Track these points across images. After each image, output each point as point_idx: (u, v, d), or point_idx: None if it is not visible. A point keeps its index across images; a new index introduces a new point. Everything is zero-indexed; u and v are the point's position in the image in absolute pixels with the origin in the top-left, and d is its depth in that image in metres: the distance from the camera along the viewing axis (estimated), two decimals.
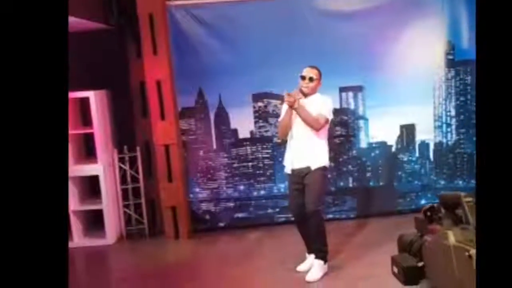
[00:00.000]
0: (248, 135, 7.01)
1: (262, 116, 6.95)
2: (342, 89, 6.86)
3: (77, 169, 6.69)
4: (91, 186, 7.15)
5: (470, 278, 2.11)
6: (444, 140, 6.96)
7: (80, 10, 5.75)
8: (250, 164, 7.03)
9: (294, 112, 5.06)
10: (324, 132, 5.21)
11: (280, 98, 6.69)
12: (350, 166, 7.02)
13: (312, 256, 5.31)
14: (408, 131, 6.96)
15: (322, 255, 5.22)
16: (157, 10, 6.49)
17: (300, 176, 5.15)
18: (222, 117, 6.98)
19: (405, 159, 7.03)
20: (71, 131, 6.36)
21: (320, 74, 5.18)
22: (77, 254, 6.50)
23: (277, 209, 7.03)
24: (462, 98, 6.86)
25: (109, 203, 6.85)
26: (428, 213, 2.73)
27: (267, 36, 6.65)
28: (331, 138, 5.45)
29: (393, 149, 7.02)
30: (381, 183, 7.06)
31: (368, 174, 7.05)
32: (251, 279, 5.37)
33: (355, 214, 7.05)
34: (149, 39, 6.48)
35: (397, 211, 6.85)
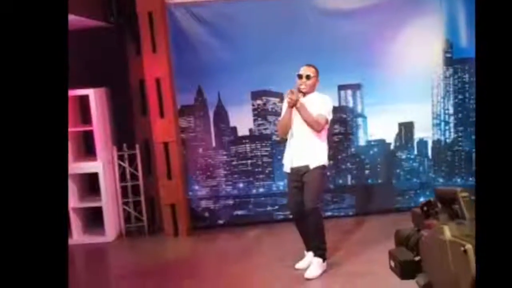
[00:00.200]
0: (247, 133, 7.03)
1: (261, 114, 6.97)
2: (341, 87, 6.88)
3: (76, 167, 6.71)
4: (90, 183, 7.17)
5: (465, 273, 2.13)
6: (443, 138, 6.98)
7: (80, 8, 5.77)
8: (249, 162, 7.05)
9: (294, 111, 5.08)
10: (324, 131, 5.23)
11: (279, 96, 6.73)
12: (348, 164, 7.04)
13: (311, 253, 5.33)
14: (406, 129, 6.97)
15: (321, 252, 5.24)
16: (157, 8, 6.50)
17: (299, 175, 5.17)
18: (221, 115, 6.99)
19: (404, 157, 7.05)
20: (70, 129, 6.36)
21: (317, 71, 5.19)
22: (76, 251, 6.51)
23: (276, 207, 7.05)
24: (460, 96, 6.87)
25: (109, 201, 6.86)
26: (425, 208, 2.76)
27: (266, 34, 6.66)
28: (329, 136, 5.46)
29: (392, 147, 7.03)
30: (379, 181, 7.08)
31: (367, 172, 7.07)
32: (250, 277, 5.38)
33: (353, 211, 7.07)
34: (148, 37, 6.49)
35: (396, 208, 6.86)
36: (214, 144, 7.06)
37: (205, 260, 6.14)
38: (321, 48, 6.48)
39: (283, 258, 5.64)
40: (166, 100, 6.60)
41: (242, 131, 7.02)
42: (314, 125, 5.05)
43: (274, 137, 6.91)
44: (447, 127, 6.94)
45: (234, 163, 7.06)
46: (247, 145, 7.03)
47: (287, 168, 5.30)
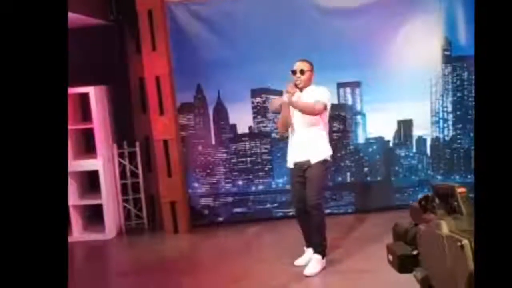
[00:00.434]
0: (246, 131, 7.04)
1: (260, 111, 6.98)
2: (340, 85, 6.89)
3: (76, 164, 6.73)
4: (90, 181, 7.19)
5: (462, 267, 2.16)
6: (441, 136, 6.99)
7: (80, 6, 5.78)
8: (248, 159, 7.07)
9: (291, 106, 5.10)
10: (325, 125, 5.24)
11: (278, 94, 6.73)
12: (347, 161, 7.05)
13: (310, 250, 5.35)
14: (405, 126, 6.99)
15: (320, 249, 5.25)
16: (156, 6, 6.52)
17: (301, 170, 5.19)
18: (220, 112, 7.01)
19: (403, 154, 7.06)
20: (70, 126, 6.37)
21: (311, 66, 5.19)
22: (76, 249, 6.54)
23: (276, 204, 7.07)
24: (459, 94, 6.88)
25: (109, 198, 6.88)
26: (423, 203, 2.77)
27: (266, 32, 6.68)
28: (329, 133, 5.47)
29: (391, 144, 7.05)
30: (378, 178, 7.10)
31: (366, 169, 7.09)
32: (250, 274, 5.39)
33: (352, 209, 7.09)
34: (148, 35, 6.51)
35: (395, 206, 6.86)
36: (213, 141, 7.08)
37: (204, 257, 6.17)
38: (320, 46, 6.50)
39: (283, 255, 5.65)
40: (166, 98, 6.62)
41: (242, 128, 7.04)
42: (311, 110, 5.02)
43: (273, 135, 6.93)
44: (445, 125, 6.95)
45: (233, 160, 7.08)
46: (247, 143, 7.05)
47: (290, 164, 5.32)
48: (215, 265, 5.79)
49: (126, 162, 7.10)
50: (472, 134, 6.77)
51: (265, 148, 7.05)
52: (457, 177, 6.99)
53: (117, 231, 7.05)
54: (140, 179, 7.13)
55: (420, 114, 6.91)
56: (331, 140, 5.43)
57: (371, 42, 6.70)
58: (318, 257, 5.23)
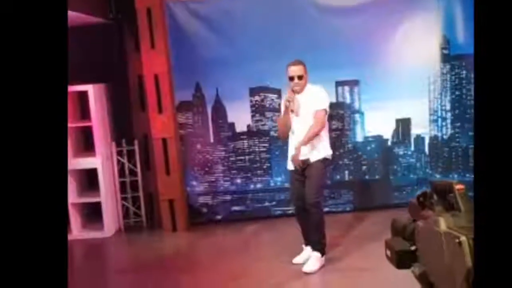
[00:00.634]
0: (245, 129, 7.05)
1: (259, 110, 6.99)
2: (338, 83, 6.90)
3: (75, 162, 6.73)
4: (89, 179, 7.19)
5: (459, 264, 2.16)
6: (440, 134, 7.00)
7: (79, 4, 5.79)
8: (247, 157, 7.08)
9: (290, 111, 5.12)
10: (325, 125, 5.28)
11: (277, 92, 6.76)
12: (346, 160, 7.06)
13: (309, 248, 5.36)
14: (403, 125, 7.00)
15: (320, 247, 5.27)
16: (155, 4, 6.52)
17: (301, 169, 5.21)
18: (219, 111, 7.02)
19: (401, 152, 7.07)
20: (69, 125, 6.36)
21: (305, 67, 5.18)
22: (75, 247, 6.55)
23: (274, 202, 7.08)
24: (457, 93, 6.89)
25: (107, 196, 6.89)
26: (421, 199, 2.78)
27: (264, 30, 6.69)
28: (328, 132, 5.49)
29: (389, 143, 7.06)
30: (377, 177, 7.11)
31: (364, 168, 7.10)
32: (248, 271, 5.40)
33: (351, 207, 7.10)
34: (147, 34, 6.52)
35: (393, 204, 6.87)
36: (212, 140, 7.08)
37: (203, 255, 6.18)
38: (318, 45, 6.52)
39: (281, 253, 5.67)
40: (165, 96, 6.63)
41: (240, 127, 7.05)
42: (318, 131, 5.12)
43: (272, 133, 6.94)
44: (444, 123, 6.97)
45: (232, 159, 7.09)
46: (245, 141, 7.06)
47: (290, 166, 5.34)
48: (213, 263, 5.80)
49: (124, 160, 7.11)
50: (470, 133, 6.79)
51: (264, 147, 7.06)
52: (456, 175, 6.99)
53: (116, 229, 7.06)
54: (139, 177, 7.14)
55: (418, 113, 6.92)
56: (329, 138, 5.44)
57: (370, 41, 6.71)
58: (317, 254, 5.24)
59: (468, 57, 6.68)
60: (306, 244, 5.43)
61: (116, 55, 6.96)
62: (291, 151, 5.29)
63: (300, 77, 5.12)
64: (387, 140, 7.05)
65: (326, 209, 6.80)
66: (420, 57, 6.75)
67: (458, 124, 6.95)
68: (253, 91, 6.95)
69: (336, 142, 6.91)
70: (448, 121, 6.96)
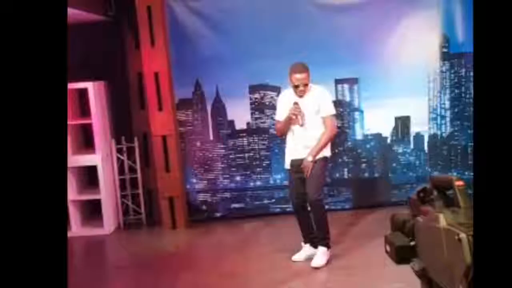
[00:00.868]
0: (244, 127, 7.06)
1: (258, 107, 7.00)
2: (338, 81, 6.90)
3: (75, 160, 6.73)
4: (89, 176, 7.20)
5: (459, 260, 2.17)
6: (439, 132, 7.01)
7: (79, 1, 5.79)
8: (246, 155, 7.09)
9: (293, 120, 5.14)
10: (336, 129, 5.33)
11: (276, 90, 6.76)
12: (345, 158, 7.08)
13: (308, 245, 5.39)
14: (403, 123, 7.00)
15: (325, 242, 5.30)
16: (155, 2, 6.51)
17: (301, 167, 5.22)
18: (219, 108, 7.03)
19: (400, 150, 7.08)
20: (69, 122, 6.37)
21: (309, 71, 5.11)
22: (75, 244, 6.54)
23: (273, 200, 7.10)
24: (456, 91, 6.90)
25: (107, 193, 6.90)
26: (421, 194, 2.78)
27: (264, 28, 6.68)
28: None
29: (388, 141, 7.07)
30: (376, 175, 7.12)
31: (363, 166, 7.11)
32: (247, 269, 5.41)
33: (350, 205, 7.10)
34: (146, 31, 6.51)
35: (392, 202, 6.88)
36: (211, 137, 7.09)
37: (202, 253, 6.19)
38: (318, 42, 6.52)
39: (280, 250, 5.67)
40: (164, 94, 6.63)
41: (240, 124, 7.06)
42: (332, 137, 5.28)
43: (271, 131, 6.94)
44: (443, 121, 6.97)
45: (231, 156, 7.10)
46: (245, 139, 7.07)
47: (287, 165, 5.34)
48: (212, 260, 5.81)
49: (124, 158, 7.11)
50: (469, 131, 6.79)
51: (263, 144, 7.07)
52: (455, 173, 7.00)
53: (116, 226, 7.07)
54: (139, 175, 7.14)
55: (418, 111, 6.93)
56: None
57: (369, 39, 6.71)
58: (323, 249, 5.28)
59: (467, 55, 6.69)
60: (305, 242, 5.45)
61: (116, 52, 6.96)
62: (289, 150, 5.30)
63: (305, 85, 5.12)
64: (386, 138, 7.06)
65: (325, 207, 6.84)
66: (420, 55, 6.75)
67: (458, 122, 6.96)
68: (252, 89, 6.96)
69: (335, 140, 6.91)
70: (448, 119, 6.97)
